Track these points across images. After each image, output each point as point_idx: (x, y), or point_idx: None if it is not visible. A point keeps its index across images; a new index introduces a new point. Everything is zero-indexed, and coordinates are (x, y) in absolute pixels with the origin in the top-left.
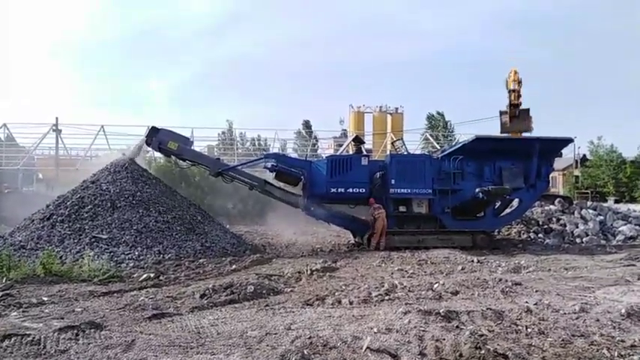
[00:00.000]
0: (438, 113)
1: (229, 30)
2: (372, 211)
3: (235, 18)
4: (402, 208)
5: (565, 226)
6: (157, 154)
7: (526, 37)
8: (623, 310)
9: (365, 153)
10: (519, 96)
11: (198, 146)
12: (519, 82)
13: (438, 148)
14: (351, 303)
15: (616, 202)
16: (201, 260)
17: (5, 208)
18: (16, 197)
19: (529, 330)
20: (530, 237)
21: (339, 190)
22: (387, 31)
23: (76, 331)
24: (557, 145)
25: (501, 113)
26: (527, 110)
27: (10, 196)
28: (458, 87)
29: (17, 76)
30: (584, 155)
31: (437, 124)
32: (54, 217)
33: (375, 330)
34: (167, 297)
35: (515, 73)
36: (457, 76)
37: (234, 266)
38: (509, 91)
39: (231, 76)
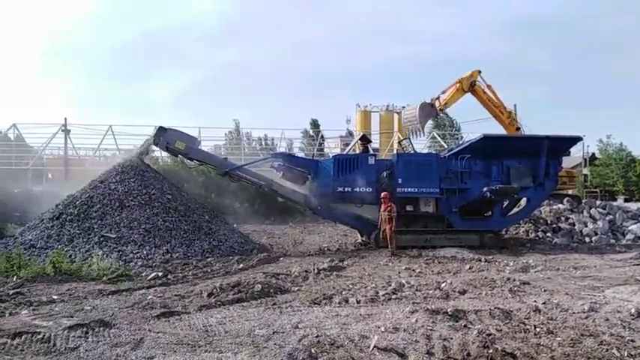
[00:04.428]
0: (444, 112)
1: (236, 33)
2: None
3: (242, 21)
4: (409, 208)
5: (574, 225)
6: (164, 154)
7: (532, 38)
8: (632, 310)
9: (372, 152)
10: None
11: (205, 146)
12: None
13: (445, 147)
14: (358, 302)
15: (625, 200)
16: (208, 259)
17: (15, 207)
18: (25, 197)
19: (537, 329)
20: (538, 236)
21: (346, 189)
22: (394, 33)
23: (85, 329)
24: (565, 143)
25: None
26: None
27: (19, 195)
28: None
29: (26, 78)
30: (593, 154)
31: (443, 122)
32: (63, 216)
33: (383, 329)
34: (175, 295)
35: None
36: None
37: (241, 265)
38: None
39: (239, 78)
